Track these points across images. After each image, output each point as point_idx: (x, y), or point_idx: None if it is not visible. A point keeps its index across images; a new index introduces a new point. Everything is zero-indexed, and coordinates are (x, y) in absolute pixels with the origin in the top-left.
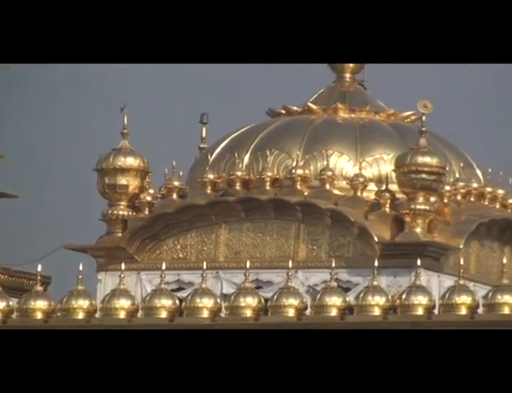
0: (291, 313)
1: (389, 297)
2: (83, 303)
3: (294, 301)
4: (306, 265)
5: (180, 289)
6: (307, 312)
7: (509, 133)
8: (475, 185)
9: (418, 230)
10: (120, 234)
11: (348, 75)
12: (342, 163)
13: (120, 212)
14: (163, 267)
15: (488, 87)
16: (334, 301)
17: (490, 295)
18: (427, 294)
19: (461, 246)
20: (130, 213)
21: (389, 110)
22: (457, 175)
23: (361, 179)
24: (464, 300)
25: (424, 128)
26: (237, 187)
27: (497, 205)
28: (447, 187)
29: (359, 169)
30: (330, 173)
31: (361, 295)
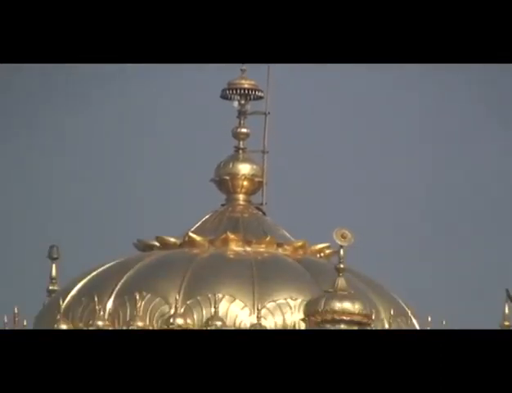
0: None
1: None
2: None
3: None
4: None
5: None
6: None
7: (452, 273)
8: None
9: None
10: None
11: (241, 196)
12: (235, 310)
13: None
14: None
15: (422, 211)
16: None
17: None
18: None
19: None
20: None
21: (297, 241)
22: (387, 325)
23: None
24: None
25: (342, 265)
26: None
27: None
28: None
29: (257, 318)
30: (219, 323)
31: None
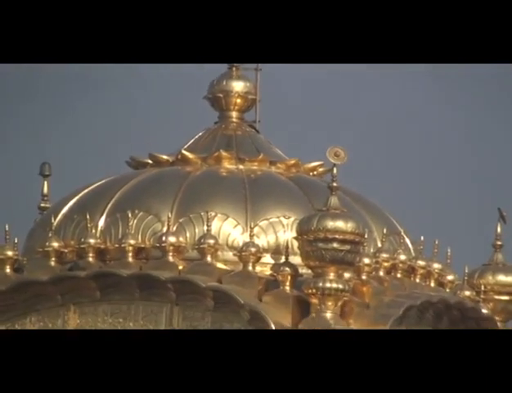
0: None
1: None
2: None
3: None
4: None
5: None
6: None
7: (445, 192)
8: (403, 257)
9: (328, 315)
10: None
11: (234, 114)
12: (227, 228)
13: None
14: None
15: (416, 129)
16: None
17: None
18: None
19: None
20: None
21: (290, 159)
22: (379, 244)
23: (253, 249)
24: None
25: (335, 184)
26: (90, 259)
27: (432, 283)
28: (366, 260)
29: (250, 236)
30: (211, 241)
31: None
